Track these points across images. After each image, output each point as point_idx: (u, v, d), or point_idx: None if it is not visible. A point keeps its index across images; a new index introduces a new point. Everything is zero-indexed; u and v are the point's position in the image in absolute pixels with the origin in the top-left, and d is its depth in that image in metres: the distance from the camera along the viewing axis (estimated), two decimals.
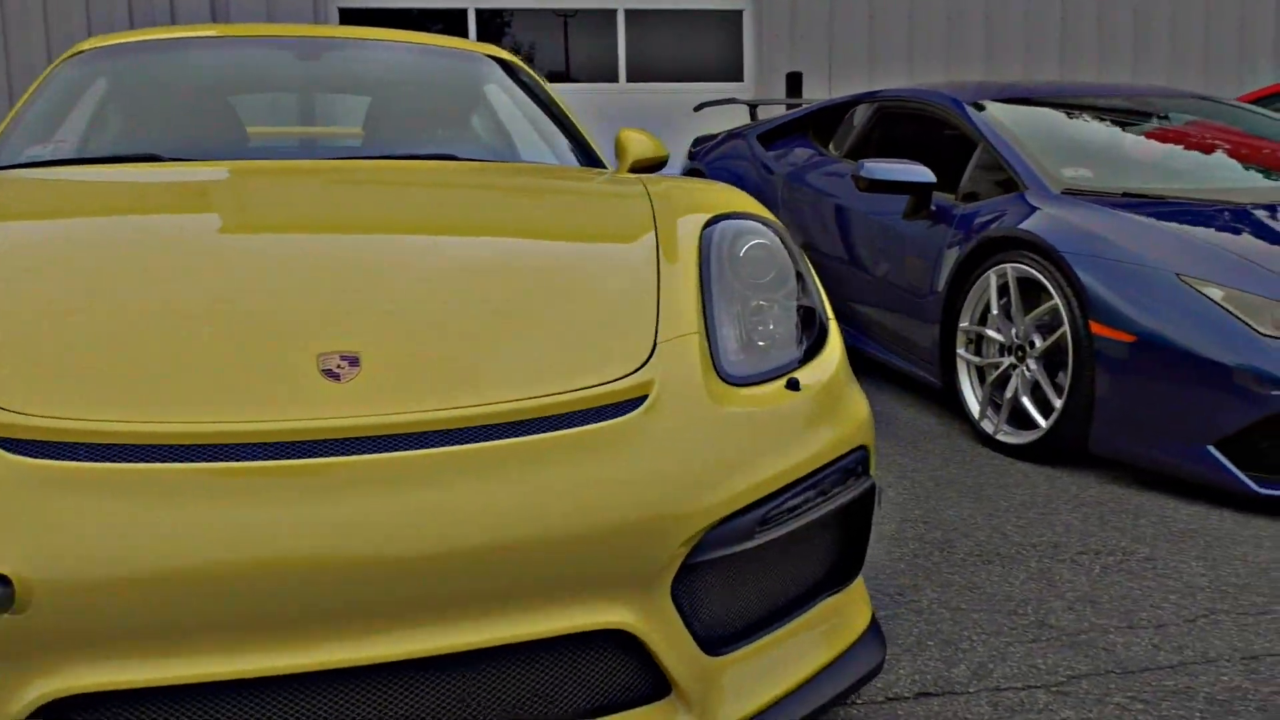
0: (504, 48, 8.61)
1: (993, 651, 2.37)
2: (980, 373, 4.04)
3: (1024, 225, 3.82)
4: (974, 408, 4.03)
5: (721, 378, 1.84)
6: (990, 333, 3.95)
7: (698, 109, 7.00)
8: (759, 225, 2.23)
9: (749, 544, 1.71)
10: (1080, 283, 3.55)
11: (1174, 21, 9.15)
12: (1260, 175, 4.37)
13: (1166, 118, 4.81)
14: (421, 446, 1.57)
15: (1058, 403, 3.64)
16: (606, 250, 2.17)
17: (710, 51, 8.98)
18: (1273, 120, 4.95)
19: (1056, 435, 3.63)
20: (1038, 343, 3.75)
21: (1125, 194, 3.95)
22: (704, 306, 1.97)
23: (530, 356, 1.76)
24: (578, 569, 1.56)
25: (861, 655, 1.97)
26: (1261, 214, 3.80)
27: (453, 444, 1.59)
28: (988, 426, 3.94)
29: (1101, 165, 4.23)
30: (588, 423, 1.66)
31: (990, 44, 8.88)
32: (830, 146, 5.55)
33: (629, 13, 8.69)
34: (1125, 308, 3.44)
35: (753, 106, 6.90)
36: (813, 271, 2.22)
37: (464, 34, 8.46)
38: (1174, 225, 3.64)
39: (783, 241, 2.21)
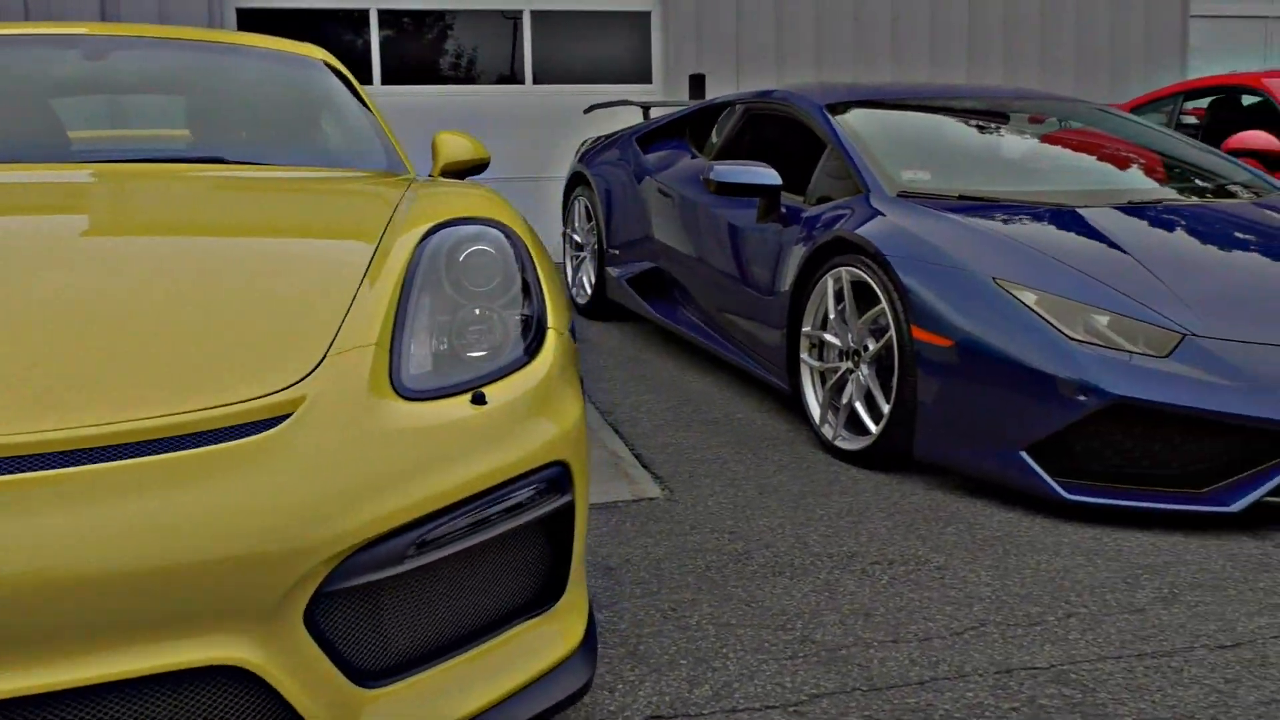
0: (409, 49, 8.51)
1: (743, 670, 2.30)
2: (823, 377, 3.98)
3: (855, 228, 3.77)
4: (815, 413, 3.98)
5: (398, 391, 1.77)
6: (828, 337, 3.89)
7: (588, 111, 6.92)
8: (490, 231, 2.16)
9: (400, 568, 1.64)
10: (903, 286, 3.50)
11: (1079, 26, 9.18)
12: (1110, 177, 4.35)
13: (1034, 120, 4.78)
14: (38, 468, 1.49)
15: (886, 408, 3.59)
16: (314, 259, 2.09)
17: (618, 53, 8.91)
18: (1140, 125, 4.94)
19: (886, 441, 3.58)
20: (870, 347, 3.70)
21: (961, 196, 3.91)
22: (398, 316, 1.89)
23: (187, 368, 1.68)
24: (187, 601, 1.48)
25: (562, 679, 1.89)
26: (1093, 216, 3.76)
27: (73, 464, 1.51)
28: (827, 432, 3.89)
29: (946, 168, 4.20)
30: (221, 441, 1.58)
31: (897, 45, 8.87)
32: (704, 149, 5.49)
33: (535, 14, 8.61)
34: (944, 312, 3.39)
35: (646, 108, 6.84)
36: (548, 279, 2.15)
37: (366, 36, 8.35)
38: (999, 228, 3.61)
39: (516, 249, 2.14)
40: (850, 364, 3.81)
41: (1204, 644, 2.41)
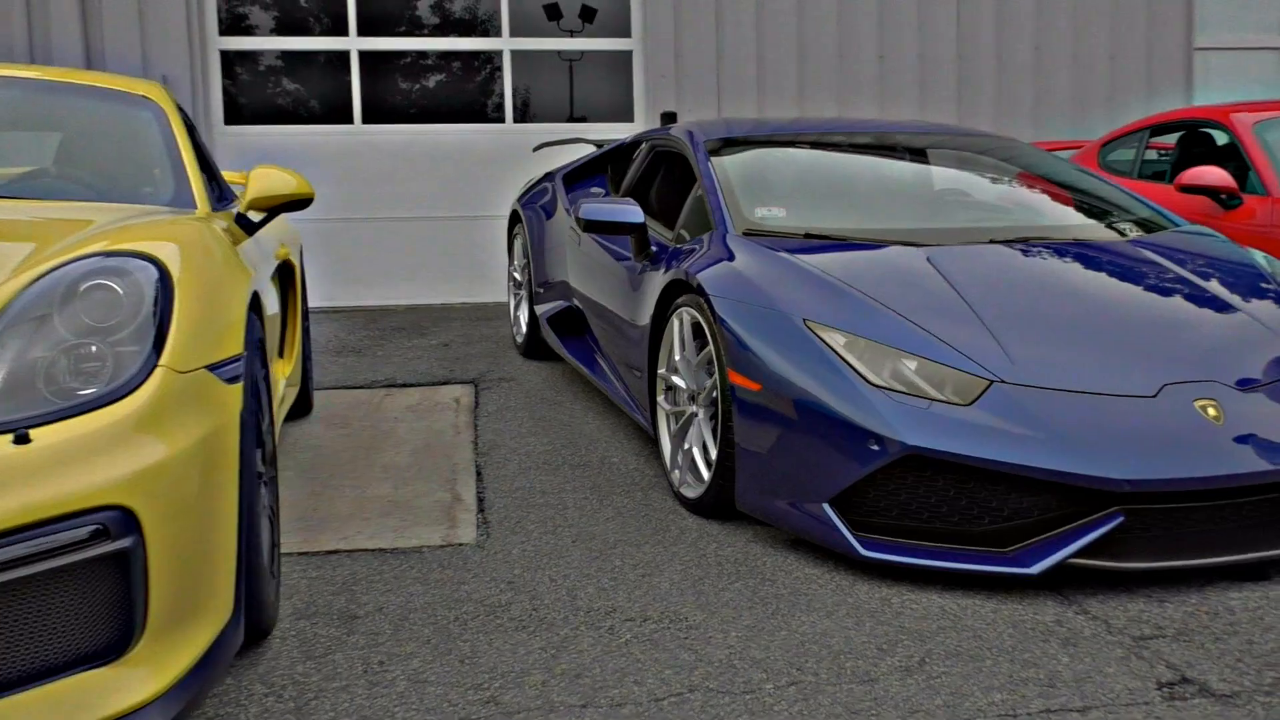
0: (390, 89, 8.58)
1: None
2: (672, 420, 3.83)
3: (693, 266, 3.64)
4: (667, 458, 3.83)
5: None
6: (675, 379, 3.75)
7: (536, 149, 6.87)
8: (130, 264, 2.09)
9: None
10: (725, 328, 3.35)
11: (1076, 60, 8.90)
12: (982, 214, 4.14)
13: (930, 158, 4.59)
14: None
15: (713, 455, 3.43)
16: None
17: (600, 91, 8.87)
18: (1055, 163, 4.71)
19: (716, 490, 3.42)
20: (704, 390, 3.55)
21: (807, 234, 3.75)
22: None
23: None
24: None
25: None
26: (939, 255, 3.57)
27: None
28: (675, 478, 3.73)
29: (807, 205, 4.04)
30: None
31: (883, 82, 8.68)
32: (619, 187, 5.39)
33: (514, 53, 8.62)
34: (755, 355, 3.23)
35: (599, 145, 6.77)
36: (191, 317, 2.07)
37: (348, 77, 8.44)
38: (828, 267, 3.44)
39: (163, 283, 2.07)
40: (694, 407, 3.66)
41: None
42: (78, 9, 7.82)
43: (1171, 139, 6.63)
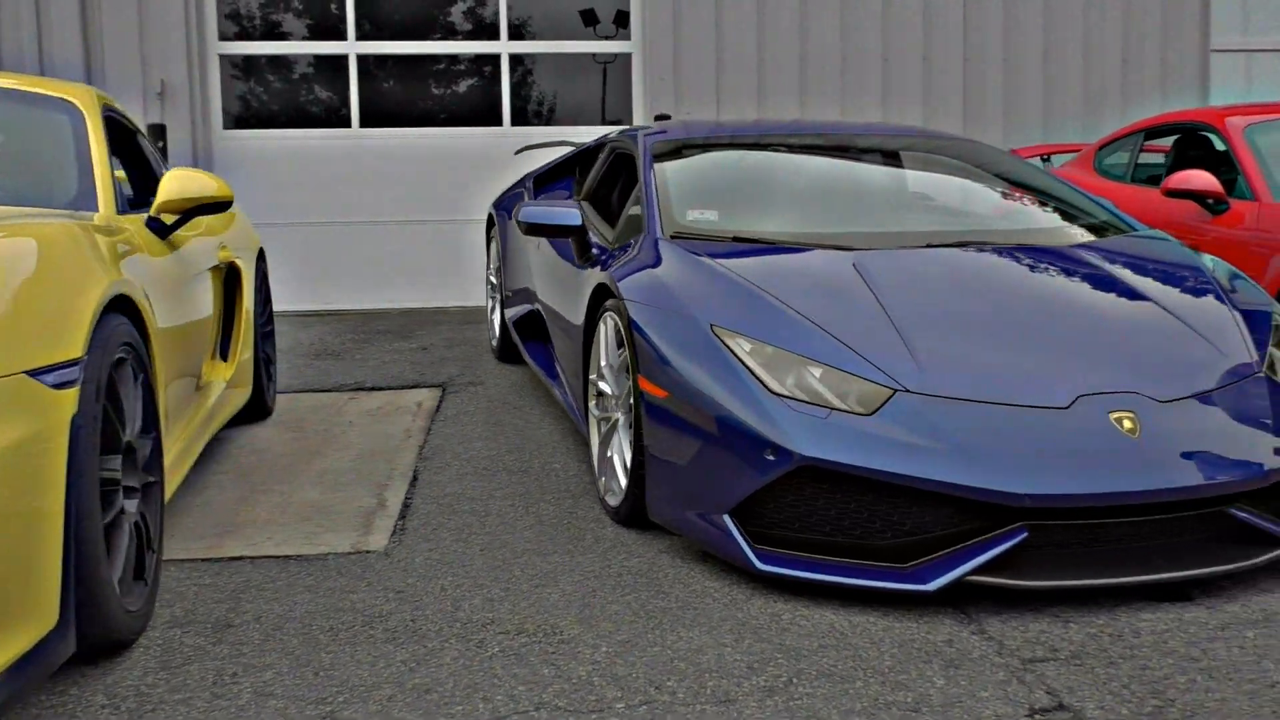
0: (388, 92, 8.57)
1: None
2: (601, 426, 3.75)
3: (618, 271, 3.56)
4: (596, 464, 3.74)
5: None
6: (602, 385, 3.67)
7: (518, 153, 6.82)
8: None
9: None
10: (639, 332, 3.26)
11: (1086, 61, 8.69)
12: (923, 217, 4.01)
13: (887, 160, 4.47)
14: None
15: (628, 462, 3.35)
16: None
17: (599, 94, 8.81)
18: (1019, 166, 4.57)
19: (632, 498, 3.34)
20: (624, 396, 3.47)
21: (735, 238, 3.65)
22: None
23: None
24: None
25: None
26: (866, 259, 3.45)
27: None
28: (601, 485, 3.65)
29: (742, 208, 3.93)
30: None
31: (887, 83, 8.53)
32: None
33: (513, 57, 8.59)
34: (664, 361, 3.14)
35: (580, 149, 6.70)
36: (5, 319, 2.03)
37: (345, 81, 8.45)
38: (745, 271, 3.34)
39: None
40: (618, 413, 3.58)
41: None
42: (78, 16, 7.89)
43: (1169, 142, 6.43)
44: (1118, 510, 2.78)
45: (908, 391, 2.87)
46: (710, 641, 2.59)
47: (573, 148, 5.96)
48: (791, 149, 4.51)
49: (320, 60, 8.53)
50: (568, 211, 4.04)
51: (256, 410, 4.83)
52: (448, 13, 8.66)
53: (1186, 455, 2.83)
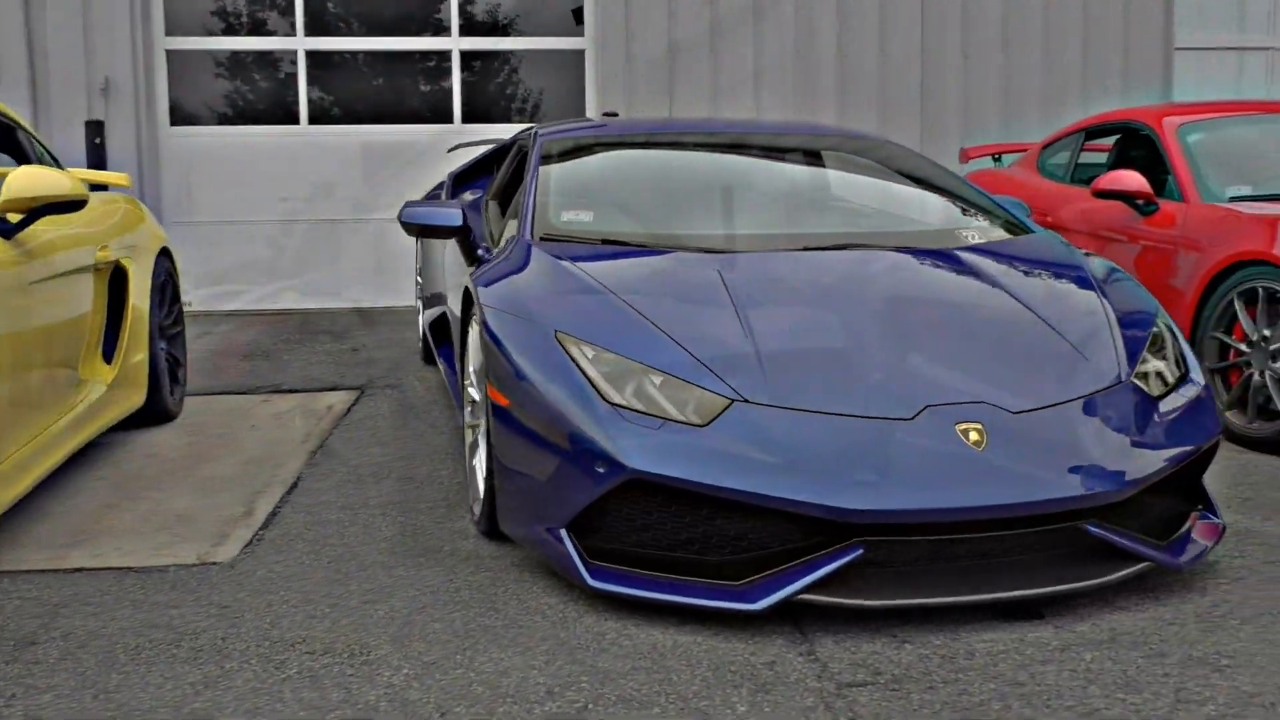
0: (337, 89, 8.48)
1: None
2: (470, 434, 3.65)
3: (482, 274, 3.45)
4: (467, 473, 3.64)
5: None
6: (471, 391, 3.57)
7: (451, 150, 6.72)
8: None
9: None
10: (491, 339, 3.16)
11: (1046, 59, 8.55)
12: (806, 218, 3.89)
13: (782, 158, 4.35)
14: None
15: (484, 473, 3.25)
16: None
17: (551, 90, 8.71)
18: (925, 165, 4.45)
19: (487, 509, 3.23)
20: (482, 404, 3.36)
21: (604, 240, 3.54)
22: None
23: None
24: None
25: None
26: (729, 263, 3.34)
27: None
28: (470, 495, 3.55)
29: (619, 209, 3.82)
30: None
31: (843, 81, 8.39)
32: None
33: (464, 53, 8.49)
34: (510, 368, 3.03)
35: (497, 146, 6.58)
36: None
37: (294, 77, 8.36)
38: (600, 274, 3.23)
39: None
40: (481, 421, 3.47)
41: None
42: (20, 7, 7.80)
43: (1111, 142, 6.29)
44: (962, 526, 2.66)
45: (746, 401, 2.76)
46: (520, 664, 2.48)
47: (492, 145, 5.86)
48: (690, 148, 4.40)
49: (269, 56, 8.44)
50: (448, 212, 3.93)
51: (155, 413, 4.74)
52: (402, 8, 8.56)
53: (1035, 469, 2.71)
